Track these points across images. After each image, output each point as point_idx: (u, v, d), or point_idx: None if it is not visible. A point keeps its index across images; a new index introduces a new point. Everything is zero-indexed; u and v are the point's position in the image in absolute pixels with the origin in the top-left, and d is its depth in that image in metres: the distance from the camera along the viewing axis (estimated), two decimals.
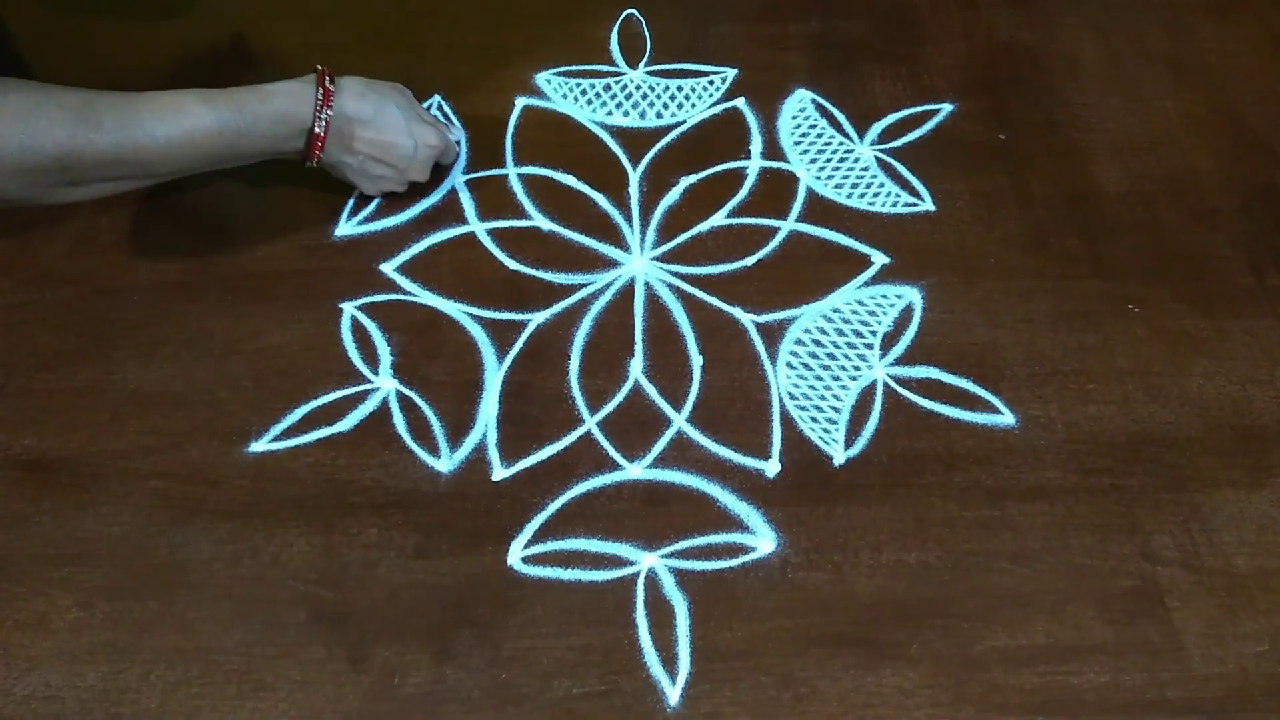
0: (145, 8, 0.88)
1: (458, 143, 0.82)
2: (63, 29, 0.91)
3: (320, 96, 0.71)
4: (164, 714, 0.58)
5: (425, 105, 0.86)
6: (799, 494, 0.66)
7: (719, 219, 0.80)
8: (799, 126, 0.86)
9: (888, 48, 0.92)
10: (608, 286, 0.76)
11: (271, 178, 0.81)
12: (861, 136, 0.85)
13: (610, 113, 0.86)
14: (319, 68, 0.72)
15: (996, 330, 0.74)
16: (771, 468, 0.68)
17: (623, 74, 0.89)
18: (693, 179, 0.82)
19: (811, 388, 0.71)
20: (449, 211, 0.80)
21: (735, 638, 0.61)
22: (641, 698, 0.59)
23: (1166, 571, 0.64)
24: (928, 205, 0.81)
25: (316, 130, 0.71)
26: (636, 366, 0.72)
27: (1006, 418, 0.70)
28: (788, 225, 0.80)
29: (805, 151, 0.84)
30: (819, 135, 0.85)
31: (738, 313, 0.75)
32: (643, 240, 0.79)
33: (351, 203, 0.79)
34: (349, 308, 0.74)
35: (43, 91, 0.63)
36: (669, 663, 0.60)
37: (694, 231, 0.79)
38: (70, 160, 0.63)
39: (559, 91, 0.88)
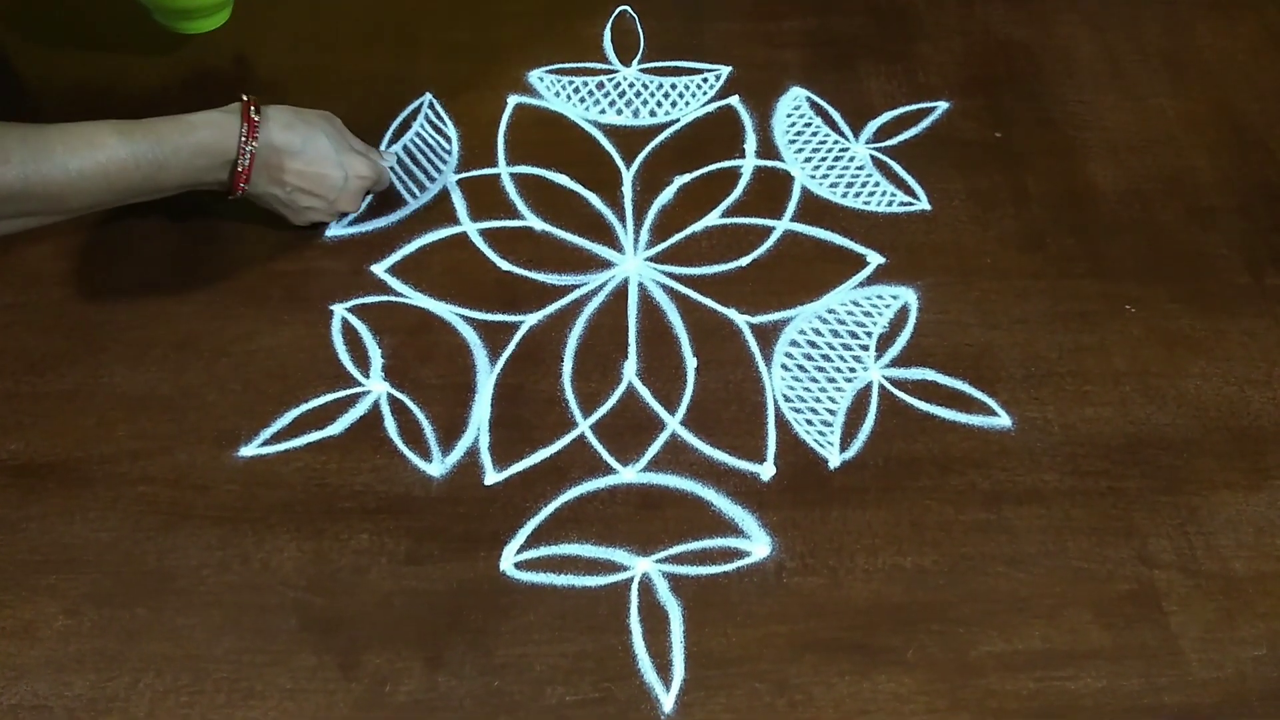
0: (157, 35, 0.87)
1: (391, 169, 0.80)
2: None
3: (245, 128, 0.68)
4: None
5: (416, 104, 0.85)
6: (794, 497, 0.66)
7: (713, 219, 0.79)
8: (794, 125, 0.85)
9: (883, 45, 0.91)
10: (601, 287, 0.75)
11: None
12: (857, 135, 0.85)
13: (603, 111, 0.86)
14: (244, 97, 0.70)
15: (993, 331, 0.73)
16: (766, 471, 0.67)
17: (616, 72, 0.88)
18: (687, 178, 0.81)
19: (806, 390, 0.71)
20: (440, 211, 0.79)
21: (729, 643, 0.61)
22: (635, 705, 0.59)
23: (1164, 575, 0.63)
24: (923, 204, 0.80)
25: (241, 162, 0.69)
26: (630, 368, 0.71)
27: (1003, 420, 0.69)
28: (782, 225, 0.79)
29: (800, 150, 0.83)
30: (814, 134, 0.85)
31: (732, 314, 0.74)
32: (636, 240, 0.78)
33: None
34: (339, 309, 0.73)
35: None
36: (663, 669, 0.60)
37: (688, 231, 0.78)
38: None
39: (552, 89, 0.87)
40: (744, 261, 0.77)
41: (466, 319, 0.73)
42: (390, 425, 0.68)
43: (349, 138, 0.75)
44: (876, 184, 0.82)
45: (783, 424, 0.69)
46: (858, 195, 0.81)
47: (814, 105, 0.86)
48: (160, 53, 0.88)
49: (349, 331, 0.73)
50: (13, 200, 0.62)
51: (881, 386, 0.71)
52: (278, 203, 0.73)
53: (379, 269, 0.76)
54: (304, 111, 0.73)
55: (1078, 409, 0.70)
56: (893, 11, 0.94)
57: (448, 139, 0.83)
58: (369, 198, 0.79)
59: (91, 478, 0.66)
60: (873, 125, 0.85)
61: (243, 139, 0.69)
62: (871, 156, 0.83)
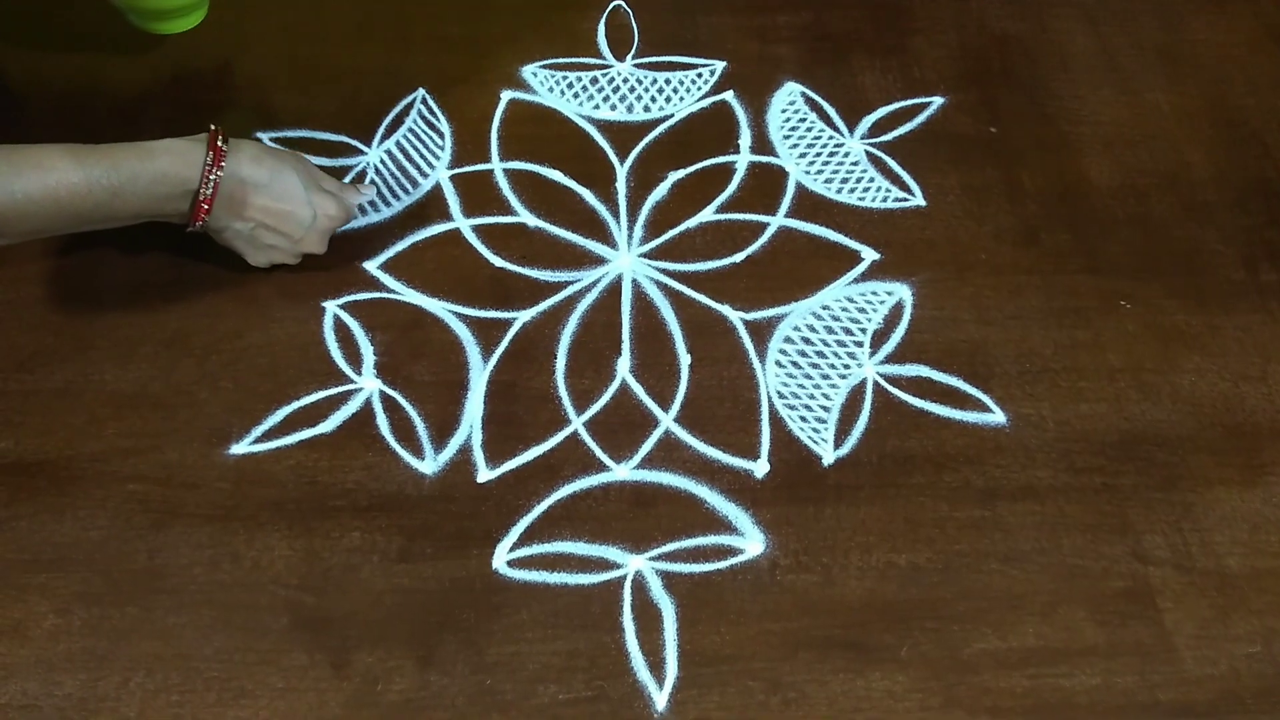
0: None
1: (372, 202, 0.78)
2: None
3: (210, 158, 0.66)
4: None
5: (409, 99, 0.84)
6: (788, 495, 0.66)
7: (707, 214, 0.79)
8: (788, 120, 0.85)
9: (878, 39, 0.91)
10: (595, 284, 0.75)
11: None
12: (851, 130, 0.84)
13: (597, 106, 0.85)
14: (212, 127, 0.67)
15: (987, 327, 0.73)
16: (760, 468, 0.67)
17: (610, 67, 0.88)
18: (681, 174, 0.81)
19: (801, 386, 0.70)
20: (433, 208, 0.79)
21: (723, 641, 0.60)
22: (628, 703, 0.58)
23: (1158, 572, 0.63)
24: (918, 200, 0.80)
25: (204, 191, 0.66)
26: (624, 365, 0.71)
27: (997, 416, 0.69)
28: (777, 221, 0.79)
29: (795, 146, 0.83)
30: (809, 129, 0.84)
31: (726, 310, 0.74)
32: (630, 236, 0.78)
33: None
34: (331, 306, 0.73)
35: None
36: (656, 667, 0.60)
37: (682, 227, 0.78)
38: None
39: (545, 84, 0.86)
40: (738, 258, 0.77)
41: (459, 315, 0.73)
42: (382, 423, 0.68)
43: (319, 177, 0.73)
44: (871, 179, 0.81)
45: (777, 421, 0.69)
46: (852, 191, 0.81)
47: (809, 100, 0.86)
48: (149, 47, 0.87)
49: (341, 328, 0.72)
50: None
51: (876, 383, 0.71)
52: (239, 239, 0.71)
53: (371, 265, 0.75)
54: (274, 148, 0.71)
55: (1072, 405, 0.70)
56: (887, 6, 0.93)
57: (440, 134, 0.83)
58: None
59: (81, 476, 0.65)
60: (867, 120, 0.85)
61: (208, 167, 0.66)
62: (866, 152, 0.83)
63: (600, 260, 0.76)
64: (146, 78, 0.85)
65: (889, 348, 0.72)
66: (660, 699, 0.58)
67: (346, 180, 0.79)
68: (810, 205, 0.80)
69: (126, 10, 0.85)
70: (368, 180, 0.79)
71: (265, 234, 0.70)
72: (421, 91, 0.85)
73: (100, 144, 0.65)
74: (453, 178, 0.80)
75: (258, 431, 0.67)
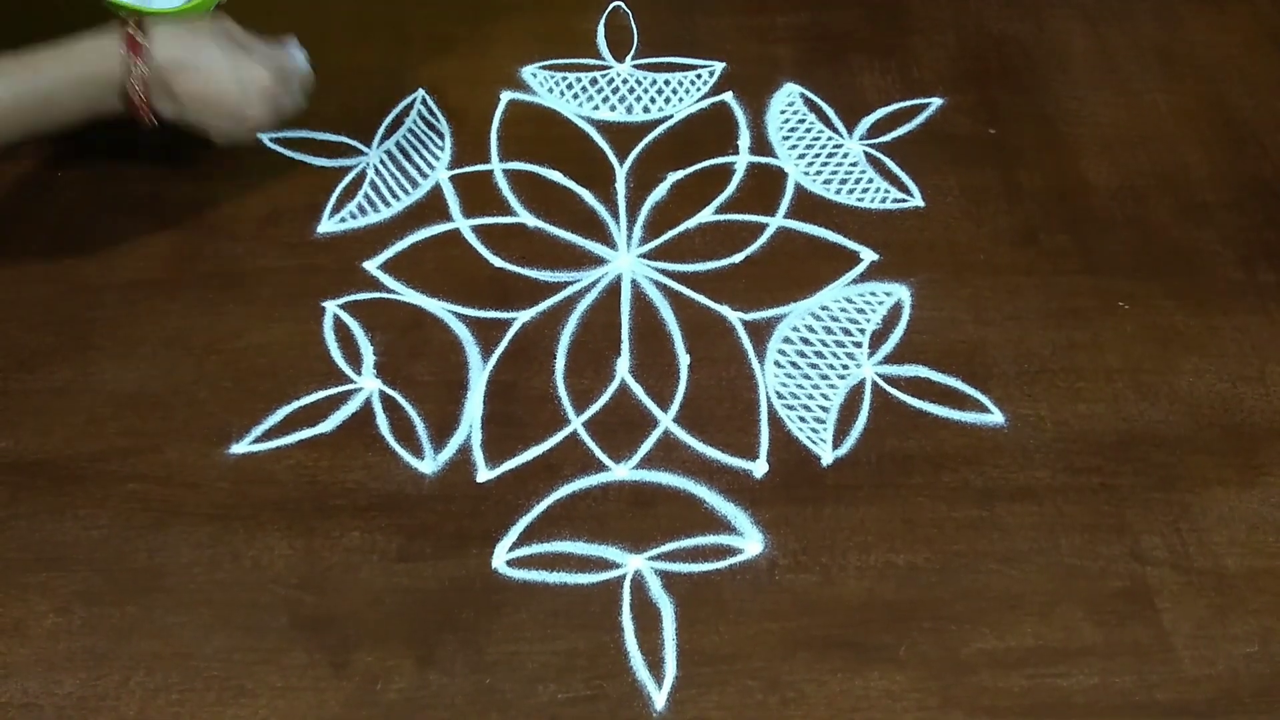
0: None
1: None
2: None
3: (126, 50, 0.64)
4: None
5: (409, 100, 0.84)
6: (786, 494, 0.66)
7: (706, 215, 0.79)
8: (787, 121, 0.85)
9: (877, 40, 0.91)
10: (594, 284, 0.75)
11: (251, 173, 0.80)
12: (850, 131, 0.84)
13: (597, 107, 0.85)
14: (124, 19, 0.66)
15: (986, 328, 0.73)
16: (759, 468, 0.67)
17: (609, 67, 0.88)
18: (680, 174, 0.81)
19: (800, 386, 0.71)
20: (433, 208, 0.79)
21: (722, 641, 0.61)
22: (627, 702, 0.58)
23: (1156, 572, 0.63)
24: (916, 201, 0.80)
25: (135, 88, 0.65)
26: (623, 365, 0.71)
27: (996, 417, 0.69)
28: (776, 222, 0.79)
29: (794, 147, 0.83)
30: (807, 130, 0.84)
31: (725, 310, 0.74)
32: (629, 237, 0.78)
33: (334, 199, 0.78)
34: (331, 306, 0.73)
35: None
36: (655, 666, 0.60)
37: (681, 228, 0.78)
38: None
39: (545, 85, 0.87)
40: (737, 258, 0.77)
41: (459, 316, 0.73)
42: (382, 422, 0.68)
43: (249, 42, 0.71)
44: (870, 180, 0.81)
45: (775, 421, 0.69)
46: (851, 192, 0.81)
47: (808, 101, 0.86)
48: None
49: (341, 328, 0.72)
50: None
51: (874, 383, 0.71)
52: (191, 122, 0.69)
53: (371, 265, 0.75)
54: (193, 23, 0.69)
55: (1070, 405, 0.70)
56: (886, 6, 0.93)
57: (440, 135, 0.83)
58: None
59: (81, 475, 0.66)
60: (866, 121, 0.85)
61: (126, 59, 0.64)
62: (865, 153, 0.83)
63: (600, 261, 0.76)
64: None
65: (888, 348, 0.72)
66: (659, 698, 0.59)
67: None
68: (809, 206, 0.80)
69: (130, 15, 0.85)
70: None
71: (209, 118, 0.69)
72: (421, 92, 0.85)
73: (21, 53, 0.63)
74: (452, 178, 0.81)
75: (258, 431, 0.67)
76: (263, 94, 0.71)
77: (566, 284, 0.75)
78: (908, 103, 0.86)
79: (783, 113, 0.85)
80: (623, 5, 0.92)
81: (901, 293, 0.75)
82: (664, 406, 0.69)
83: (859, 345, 0.72)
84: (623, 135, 0.84)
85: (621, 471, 0.67)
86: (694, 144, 0.83)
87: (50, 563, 0.62)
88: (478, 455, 0.67)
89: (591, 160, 0.82)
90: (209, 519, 0.64)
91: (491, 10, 0.92)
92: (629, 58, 0.89)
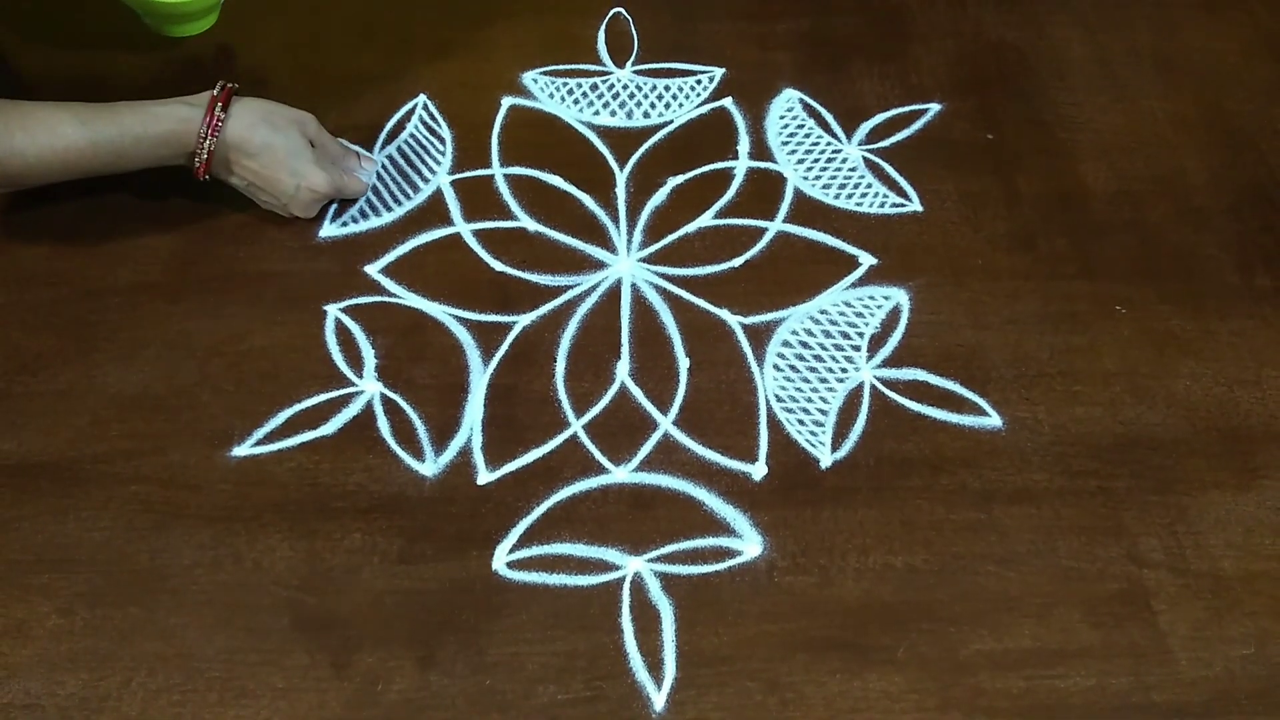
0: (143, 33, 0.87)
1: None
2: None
3: (207, 125, 0.70)
4: None
5: (411, 105, 0.85)
6: (785, 497, 0.66)
7: (706, 220, 0.80)
8: (786, 126, 0.85)
9: (876, 46, 0.91)
10: (594, 288, 0.76)
11: None
12: (849, 136, 0.85)
13: (597, 112, 0.86)
14: (220, 86, 0.72)
15: (984, 332, 0.74)
16: (758, 471, 0.67)
17: (610, 73, 0.88)
18: (680, 179, 0.82)
19: (799, 390, 0.71)
20: (434, 212, 0.79)
21: (721, 642, 0.61)
22: (627, 703, 0.59)
23: (1153, 574, 0.64)
24: (915, 206, 0.81)
25: (199, 156, 0.71)
26: (623, 369, 0.72)
27: (993, 420, 0.70)
28: (775, 226, 0.79)
29: (793, 152, 0.84)
30: (807, 135, 0.85)
31: (725, 314, 0.74)
32: (629, 241, 0.78)
33: (335, 204, 0.79)
34: (333, 310, 0.74)
35: None
36: (654, 668, 0.60)
37: (681, 232, 0.79)
38: None
39: (545, 91, 0.87)
40: (736, 262, 0.77)
41: (460, 319, 0.73)
42: (383, 425, 0.68)
43: (324, 143, 0.76)
44: (869, 185, 0.82)
45: (774, 424, 0.69)
46: (850, 196, 0.81)
47: (807, 107, 0.87)
48: (153, 51, 0.88)
49: (342, 332, 0.73)
50: None
51: (873, 387, 0.71)
52: (239, 189, 0.75)
53: (373, 269, 0.76)
54: (277, 110, 0.74)
55: (1068, 409, 0.70)
56: (885, 13, 0.94)
57: (441, 140, 0.83)
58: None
59: (84, 477, 0.66)
60: (865, 127, 0.85)
61: (202, 135, 0.70)
62: (864, 158, 0.84)
63: (600, 265, 0.77)
64: (149, 82, 0.86)
65: (886, 352, 0.73)
66: (659, 699, 0.59)
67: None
68: (808, 211, 0.80)
69: (141, 12, 0.86)
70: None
71: (257, 193, 0.75)
72: (423, 97, 0.86)
73: (106, 105, 0.69)
74: (454, 183, 0.81)
75: (260, 434, 0.68)
76: (312, 198, 0.76)
77: (567, 288, 0.75)
78: (906, 108, 0.87)
79: (782, 118, 0.86)
80: (623, 12, 0.93)
81: (900, 297, 0.76)
82: (663, 409, 0.70)
83: (858, 349, 0.73)
84: (623, 140, 0.84)
85: (621, 474, 0.67)
86: (694, 149, 0.84)
87: (53, 564, 0.63)
88: (478, 458, 0.67)
89: (592, 165, 0.82)
90: (211, 521, 0.64)
91: (493, 16, 0.92)
92: (629, 64, 0.89)
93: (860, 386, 0.71)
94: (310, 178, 0.74)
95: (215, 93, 0.71)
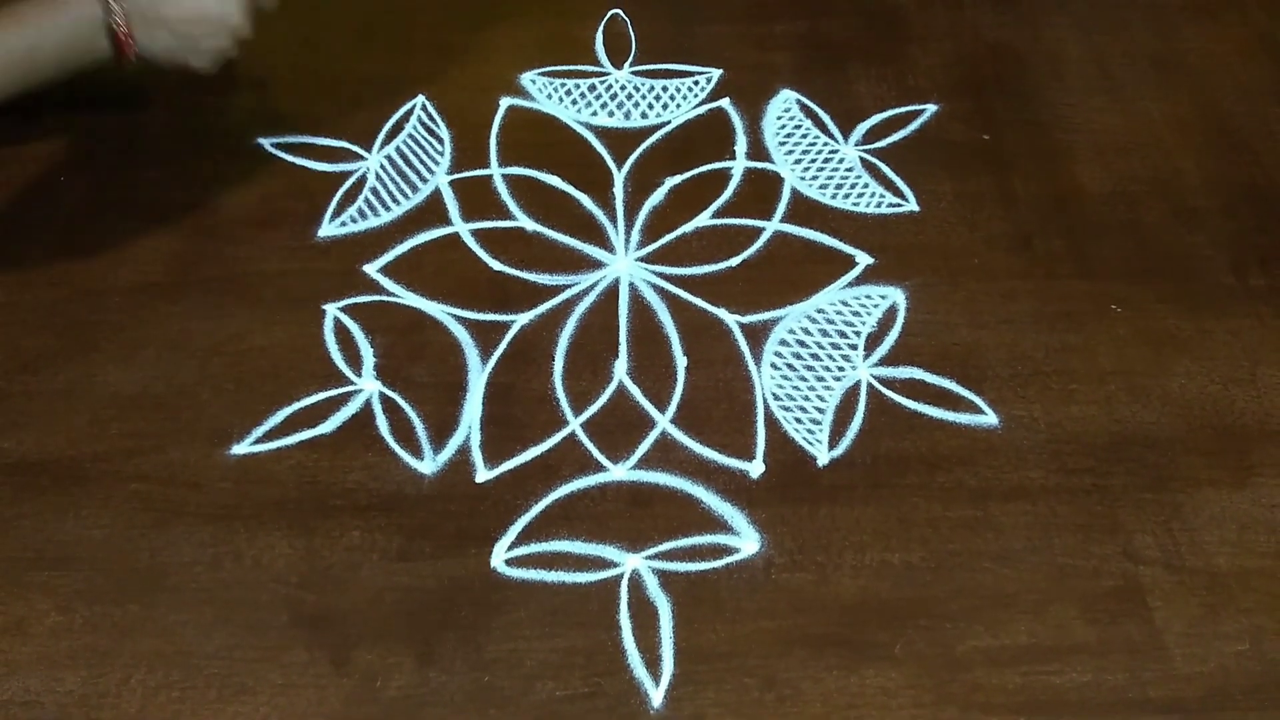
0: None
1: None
2: None
3: None
4: (144, 719, 0.58)
5: (409, 105, 0.85)
6: (783, 495, 0.66)
7: (703, 220, 0.80)
8: (784, 127, 0.86)
9: (873, 48, 0.92)
10: (592, 287, 0.76)
11: (253, 178, 0.80)
12: (846, 137, 0.85)
13: (595, 113, 0.86)
14: None
15: (980, 331, 0.74)
16: (755, 468, 0.68)
17: (608, 74, 0.89)
18: (677, 179, 0.82)
19: (795, 388, 0.71)
20: (432, 212, 0.79)
21: (718, 639, 0.61)
22: (625, 699, 0.59)
23: (1148, 571, 0.64)
24: (911, 206, 0.81)
25: (117, 22, 0.66)
26: (620, 368, 0.72)
27: (990, 418, 0.70)
28: (772, 226, 0.80)
29: (790, 152, 0.84)
30: (804, 136, 0.85)
31: (722, 313, 0.75)
32: (627, 241, 0.78)
33: (335, 203, 0.79)
34: (332, 309, 0.74)
35: None
36: (652, 664, 0.60)
37: (678, 232, 0.79)
38: None
39: (544, 91, 0.88)
40: (734, 262, 0.78)
41: (458, 318, 0.74)
42: (382, 423, 0.69)
43: None
44: (865, 185, 0.82)
45: (772, 422, 0.70)
46: (847, 197, 0.81)
47: (804, 108, 0.87)
48: None
49: (341, 331, 0.73)
50: None
51: (870, 385, 0.71)
52: (175, 53, 0.70)
53: (371, 269, 0.76)
54: None
55: (1064, 407, 0.70)
56: (883, 15, 0.94)
57: (440, 140, 0.84)
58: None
59: (84, 476, 0.66)
60: (862, 127, 0.86)
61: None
62: (860, 158, 0.84)
63: (598, 264, 0.77)
64: (151, 79, 0.86)
65: (883, 350, 0.73)
66: (656, 695, 0.59)
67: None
68: (805, 211, 0.80)
69: None
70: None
71: (199, 37, 0.70)
72: (421, 98, 0.86)
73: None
74: (452, 183, 0.81)
75: (259, 432, 0.68)
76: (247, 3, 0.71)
77: (565, 287, 0.76)
78: (903, 109, 0.87)
79: (779, 119, 0.86)
80: (621, 13, 0.93)
81: (896, 296, 0.76)
82: (661, 408, 0.70)
83: (854, 347, 0.73)
84: (621, 141, 0.84)
85: (619, 472, 0.67)
86: (691, 149, 0.84)
87: (53, 562, 0.63)
88: (477, 456, 0.68)
89: (590, 165, 0.83)
90: (210, 519, 0.65)
91: (492, 18, 0.93)
92: (627, 65, 0.90)
93: (857, 385, 0.71)
94: None
95: None
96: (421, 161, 0.82)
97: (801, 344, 0.73)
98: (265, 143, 0.82)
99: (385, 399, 0.70)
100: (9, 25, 0.64)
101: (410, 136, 0.84)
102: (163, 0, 0.68)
